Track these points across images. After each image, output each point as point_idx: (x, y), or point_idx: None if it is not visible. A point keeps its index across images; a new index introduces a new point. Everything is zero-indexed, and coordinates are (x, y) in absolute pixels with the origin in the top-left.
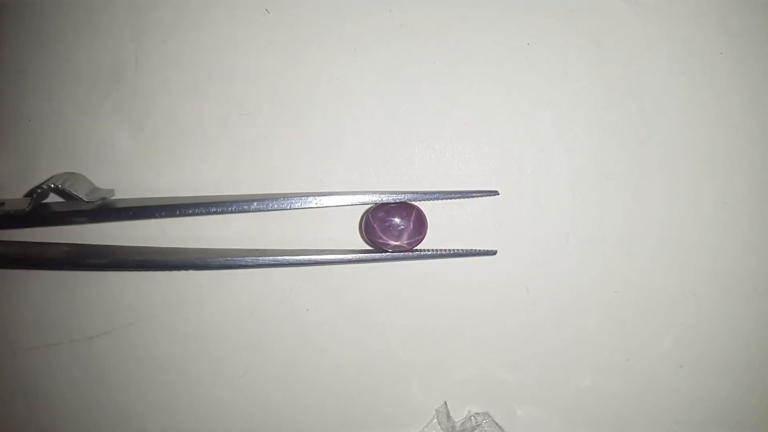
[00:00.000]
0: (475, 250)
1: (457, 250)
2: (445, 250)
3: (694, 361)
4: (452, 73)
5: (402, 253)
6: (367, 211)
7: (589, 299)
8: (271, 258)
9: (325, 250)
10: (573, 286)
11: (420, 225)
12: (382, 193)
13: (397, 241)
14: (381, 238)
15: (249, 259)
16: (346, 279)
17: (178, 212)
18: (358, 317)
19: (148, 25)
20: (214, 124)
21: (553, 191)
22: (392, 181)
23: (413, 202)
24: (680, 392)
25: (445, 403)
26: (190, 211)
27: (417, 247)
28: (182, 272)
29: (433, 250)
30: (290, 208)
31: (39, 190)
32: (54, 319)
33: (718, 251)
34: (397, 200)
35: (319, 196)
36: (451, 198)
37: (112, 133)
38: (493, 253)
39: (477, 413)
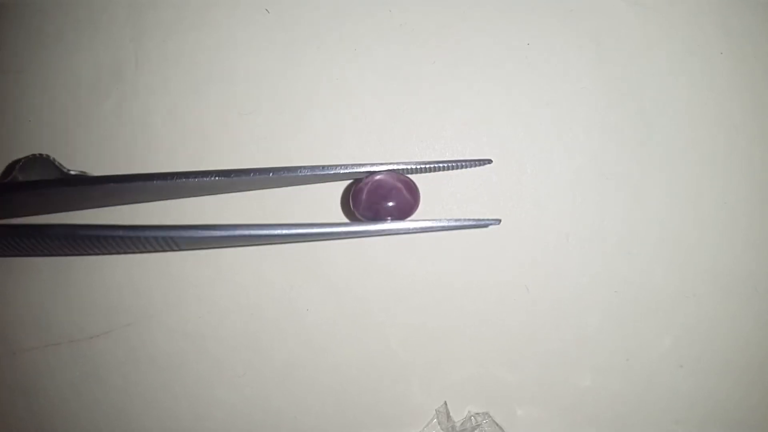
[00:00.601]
0: (478, 219)
1: (459, 219)
2: (447, 220)
3: (694, 361)
4: (452, 73)
5: (403, 224)
6: (353, 184)
7: (589, 299)
8: (261, 230)
9: (317, 223)
10: (573, 286)
11: (408, 186)
12: (365, 164)
13: (390, 201)
14: (374, 202)
15: (240, 232)
16: (346, 278)
17: (155, 180)
18: (358, 317)
19: (148, 25)
20: (214, 125)
21: (553, 191)
22: None
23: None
24: (680, 392)
25: (445, 403)
26: (169, 181)
27: (414, 220)
28: (182, 270)
29: (433, 219)
30: (271, 175)
31: (22, 161)
32: (54, 319)
33: (718, 251)
34: (385, 170)
35: (303, 169)
36: (442, 169)
37: (111, 133)
38: (497, 221)
39: (477, 413)
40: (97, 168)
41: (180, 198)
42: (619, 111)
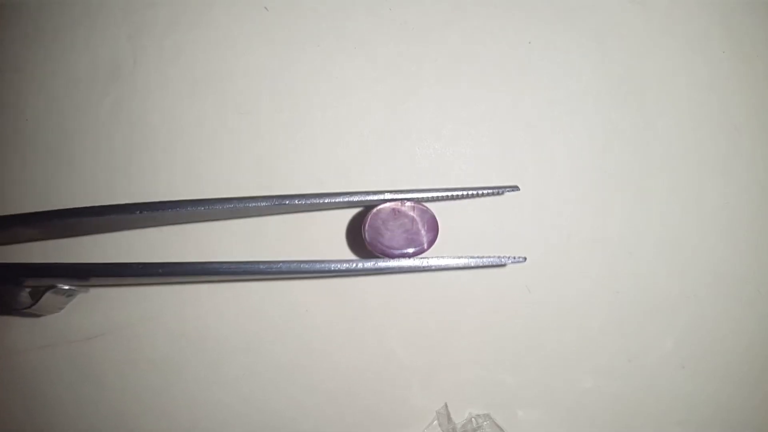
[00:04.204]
0: (500, 256)
1: (479, 256)
2: (467, 257)
3: (695, 363)
4: (453, 71)
5: (421, 261)
6: (369, 214)
7: (591, 300)
8: (279, 266)
9: (339, 260)
10: (574, 287)
11: (432, 226)
12: (379, 192)
13: (411, 246)
14: (390, 244)
15: (249, 267)
16: (345, 280)
17: (153, 210)
18: (358, 318)
19: (146, 23)
20: (212, 123)
21: (554, 191)
22: (393, 181)
23: (422, 203)
24: (682, 393)
25: (446, 404)
26: (166, 211)
27: (432, 256)
28: None
29: (453, 257)
30: (275, 203)
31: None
32: (51, 320)
33: (720, 252)
34: (399, 199)
35: (309, 197)
36: (461, 198)
37: (110, 132)
38: (522, 259)
39: (478, 415)
40: (96, 166)
41: (177, 224)
42: (621, 110)
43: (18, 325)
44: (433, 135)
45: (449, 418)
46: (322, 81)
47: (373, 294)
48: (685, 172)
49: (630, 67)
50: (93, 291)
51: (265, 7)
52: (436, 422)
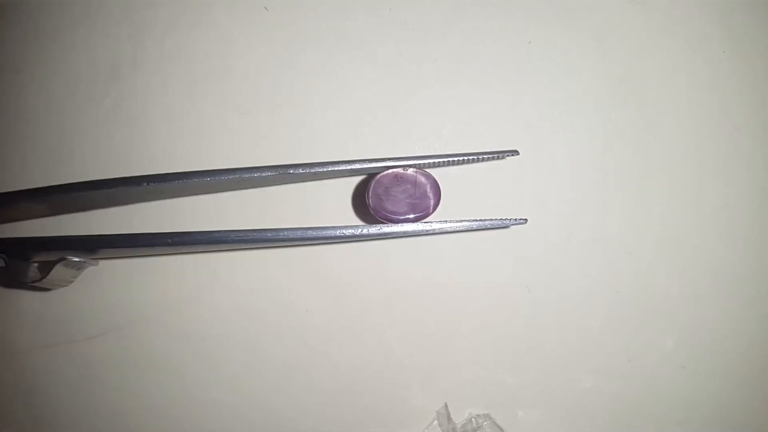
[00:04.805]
0: (502, 219)
1: (481, 219)
2: (469, 220)
3: (696, 363)
4: (453, 71)
5: (423, 225)
6: (372, 181)
7: (591, 300)
8: (284, 233)
9: (345, 225)
10: (574, 287)
11: (430, 183)
12: (381, 159)
13: (414, 211)
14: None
15: (258, 234)
16: (346, 278)
17: (159, 182)
18: (358, 317)
19: (146, 23)
20: (212, 123)
21: (554, 190)
22: None
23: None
24: (682, 394)
25: (446, 404)
26: (171, 182)
27: (435, 220)
28: (180, 271)
29: (454, 220)
30: (281, 172)
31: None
32: (52, 320)
33: (720, 252)
34: (401, 165)
35: (315, 165)
36: (462, 163)
37: (110, 132)
38: (524, 221)
39: (478, 415)
40: (95, 166)
41: (184, 197)
42: (621, 110)
43: (18, 325)
44: (433, 135)
45: (449, 418)
46: (322, 81)
47: (373, 294)
48: (685, 172)
49: (630, 67)
50: (93, 291)
51: (265, 7)
52: (436, 422)
